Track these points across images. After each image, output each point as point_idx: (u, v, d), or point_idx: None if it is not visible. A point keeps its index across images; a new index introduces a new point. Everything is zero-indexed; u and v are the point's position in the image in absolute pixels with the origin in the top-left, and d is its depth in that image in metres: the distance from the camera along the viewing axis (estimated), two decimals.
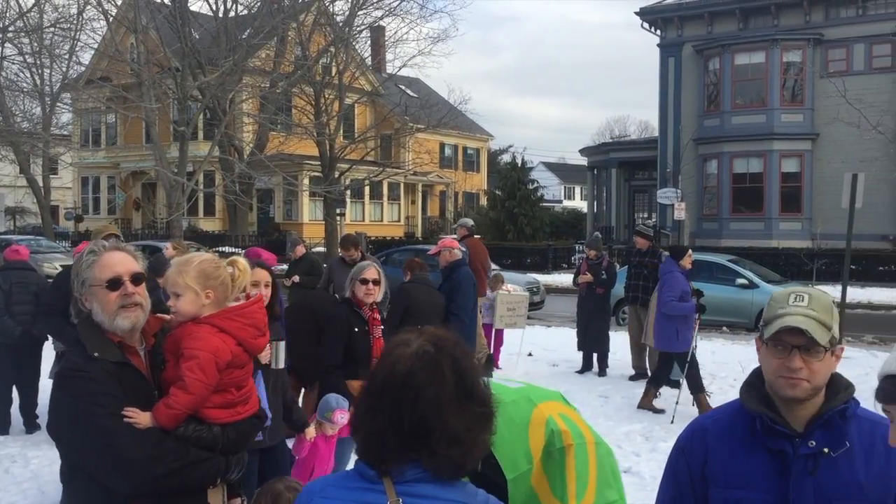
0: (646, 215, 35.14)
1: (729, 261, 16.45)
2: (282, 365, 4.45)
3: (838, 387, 2.08)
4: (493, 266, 19.39)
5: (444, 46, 64.70)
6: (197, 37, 21.88)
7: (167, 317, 2.81)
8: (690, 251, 9.55)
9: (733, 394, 10.11)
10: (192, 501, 2.67)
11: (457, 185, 46.69)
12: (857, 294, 20.87)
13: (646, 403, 8.79)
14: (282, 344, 4.49)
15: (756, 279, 15.50)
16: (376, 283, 5.00)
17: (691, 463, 2.19)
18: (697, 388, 8.50)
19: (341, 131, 29.35)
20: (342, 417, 4.51)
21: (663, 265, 9.47)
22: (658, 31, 31.60)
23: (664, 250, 10.98)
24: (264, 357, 4.27)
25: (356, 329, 5.00)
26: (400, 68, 27.66)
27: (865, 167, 19.52)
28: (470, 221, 11.60)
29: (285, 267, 11.04)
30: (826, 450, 2.01)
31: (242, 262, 3.01)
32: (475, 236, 11.61)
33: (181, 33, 16.89)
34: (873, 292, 21.72)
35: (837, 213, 20.25)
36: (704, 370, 10.91)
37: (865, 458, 2.02)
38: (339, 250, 9.07)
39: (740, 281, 15.37)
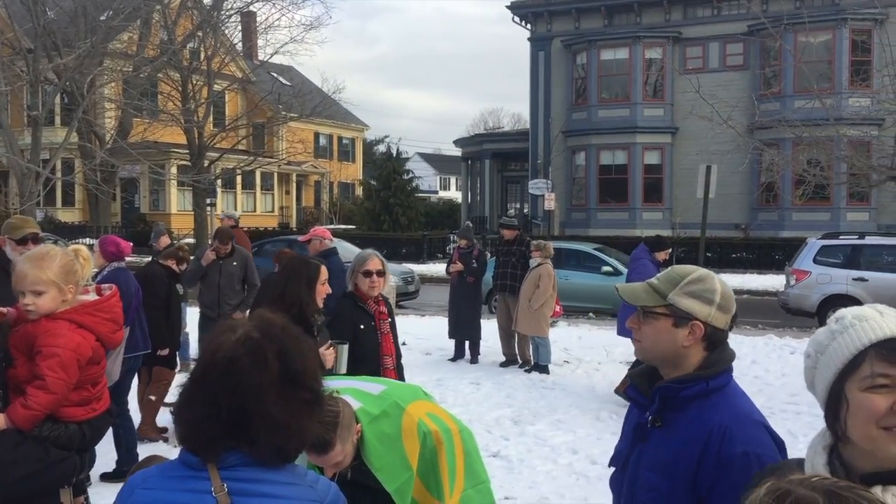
0: (518, 205, 35.97)
1: (595, 249, 17.10)
2: (343, 370, 4.18)
3: (706, 367, 2.08)
4: None
5: (318, 34, 63.70)
6: (52, 16, 20.70)
7: (3, 310, 2.68)
8: (670, 247, 9.30)
9: (598, 377, 10.42)
10: (45, 502, 2.58)
11: (332, 175, 46.25)
12: None
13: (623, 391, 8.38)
14: (345, 347, 4.20)
15: (620, 267, 16.15)
16: (381, 274, 4.64)
17: (624, 419, 2.37)
18: None
19: (211, 119, 28.47)
20: None
21: (636, 251, 9.14)
22: (528, 26, 32.31)
23: (529, 240, 11.30)
24: (328, 361, 4.03)
25: (362, 326, 4.60)
26: (272, 55, 27.07)
27: (719, 160, 20.70)
28: (237, 213, 11.68)
29: (149, 258, 10.65)
30: (658, 423, 2.08)
31: (85, 251, 2.91)
32: (240, 227, 11.79)
33: (34, 12, 15.90)
34: (727, 278, 23.05)
35: (695, 203, 21.41)
36: (571, 355, 11.34)
37: (684, 438, 2.03)
38: (215, 242, 8.80)
39: (605, 269, 16.02)
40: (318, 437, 2.66)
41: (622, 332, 8.84)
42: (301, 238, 7.44)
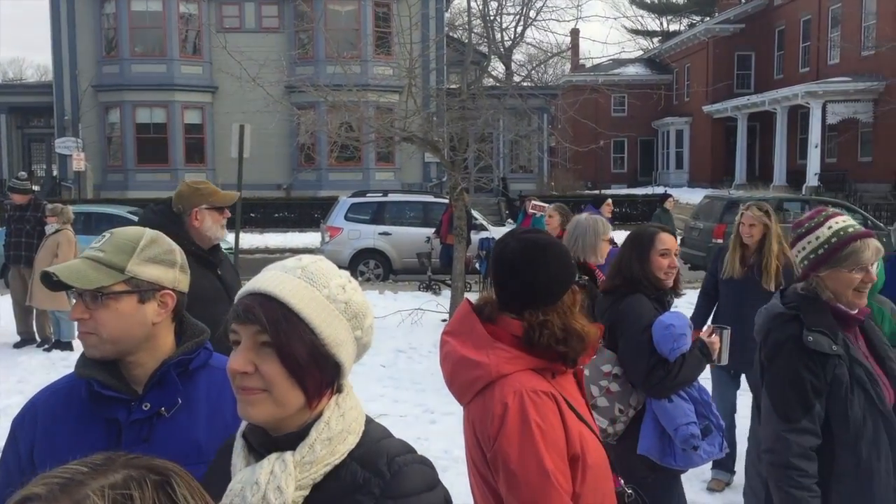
0: (46, 166, 32.46)
1: (129, 212, 16.12)
2: (726, 360, 3.48)
3: (190, 336, 1.85)
4: None
5: None
6: None
7: None
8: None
9: None
10: None
11: None
12: (256, 240, 22.49)
13: None
14: (728, 332, 3.46)
15: None
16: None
17: (21, 449, 1.77)
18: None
19: None
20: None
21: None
22: None
23: (45, 205, 10.07)
24: (714, 348, 3.33)
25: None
26: None
27: (257, 120, 20.82)
28: None
29: None
30: (162, 409, 1.76)
31: None
32: None
33: None
34: (270, 237, 23.59)
35: (236, 163, 21.26)
36: None
37: (210, 414, 1.79)
38: None
39: None
40: None
41: None
42: None
